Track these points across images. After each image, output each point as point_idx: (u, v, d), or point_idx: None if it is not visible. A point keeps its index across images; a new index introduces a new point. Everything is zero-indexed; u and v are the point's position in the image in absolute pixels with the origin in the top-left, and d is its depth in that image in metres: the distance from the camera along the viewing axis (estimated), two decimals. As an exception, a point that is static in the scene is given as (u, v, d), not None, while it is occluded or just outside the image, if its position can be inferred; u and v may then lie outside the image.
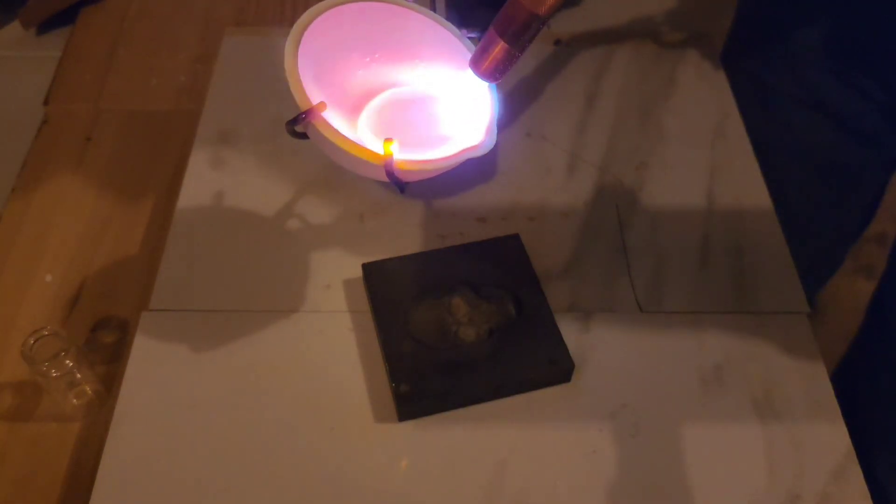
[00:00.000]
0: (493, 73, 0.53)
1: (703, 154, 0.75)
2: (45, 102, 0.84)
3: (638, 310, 0.64)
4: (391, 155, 0.49)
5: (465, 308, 0.60)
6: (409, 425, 0.58)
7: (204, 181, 0.72)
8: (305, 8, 0.91)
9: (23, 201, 0.75)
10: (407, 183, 0.52)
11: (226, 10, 0.93)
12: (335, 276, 0.65)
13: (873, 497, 0.56)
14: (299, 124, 0.48)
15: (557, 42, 0.85)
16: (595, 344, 0.62)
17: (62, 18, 0.92)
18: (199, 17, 0.93)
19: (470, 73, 0.55)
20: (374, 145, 0.53)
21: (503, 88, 0.80)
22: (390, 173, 0.49)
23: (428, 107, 0.57)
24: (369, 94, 0.57)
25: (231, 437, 0.57)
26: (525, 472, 0.56)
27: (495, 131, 0.53)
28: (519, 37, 0.51)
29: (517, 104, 0.79)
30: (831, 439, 0.58)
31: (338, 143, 0.49)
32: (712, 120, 0.78)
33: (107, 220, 0.73)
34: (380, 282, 0.62)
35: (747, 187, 0.73)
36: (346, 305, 0.64)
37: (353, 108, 0.56)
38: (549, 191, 0.72)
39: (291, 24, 0.90)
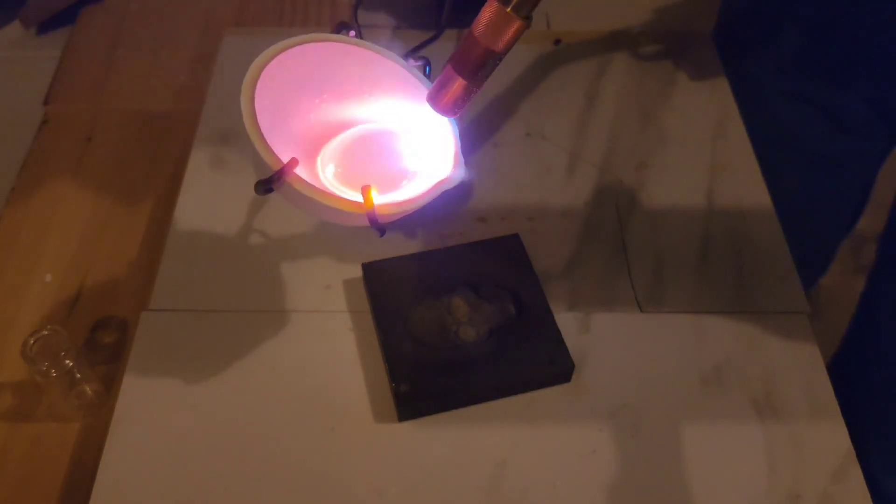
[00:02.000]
0: (451, 109, 0.52)
1: (703, 154, 0.75)
2: (45, 102, 0.83)
3: (638, 310, 0.64)
4: (373, 204, 0.48)
5: (465, 308, 0.60)
6: (409, 425, 0.58)
7: (204, 181, 0.72)
8: (305, 8, 0.92)
9: (23, 201, 0.75)
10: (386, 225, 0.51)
11: (226, 10, 0.93)
12: (335, 276, 0.65)
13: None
14: (274, 185, 0.47)
15: (557, 42, 0.85)
16: (595, 344, 0.62)
17: (62, 18, 0.92)
18: (199, 17, 0.93)
19: (424, 103, 0.54)
20: (348, 194, 0.52)
21: (503, 88, 0.80)
22: (374, 221, 0.48)
23: (385, 142, 0.56)
24: (323, 136, 0.56)
25: (231, 436, 0.57)
26: (525, 472, 0.56)
27: (462, 159, 0.53)
28: (476, 73, 0.50)
29: (517, 104, 0.79)
30: (831, 439, 0.58)
31: (318, 199, 0.48)
32: (712, 120, 0.78)
33: (107, 219, 0.73)
34: (380, 282, 0.62)
35: (747, 187, 0.73)
36: (346, 305, 0.64)
37: (310, 153, 0.55)
38: (549, 191, 0.72)
39: (291, 24, 0.90)
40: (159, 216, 0.73)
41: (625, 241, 0.69)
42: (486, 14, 0.50)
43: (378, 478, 0.55)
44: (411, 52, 0.69)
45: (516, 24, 0.49)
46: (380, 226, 0.49)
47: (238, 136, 0.75)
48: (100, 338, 0.65)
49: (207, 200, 0.70)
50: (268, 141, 0.48)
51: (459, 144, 0.54)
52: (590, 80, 0.82)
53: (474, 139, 0.76)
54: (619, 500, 0.55)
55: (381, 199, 0.51)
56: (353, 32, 0.54)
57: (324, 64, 0.53)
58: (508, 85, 0.80)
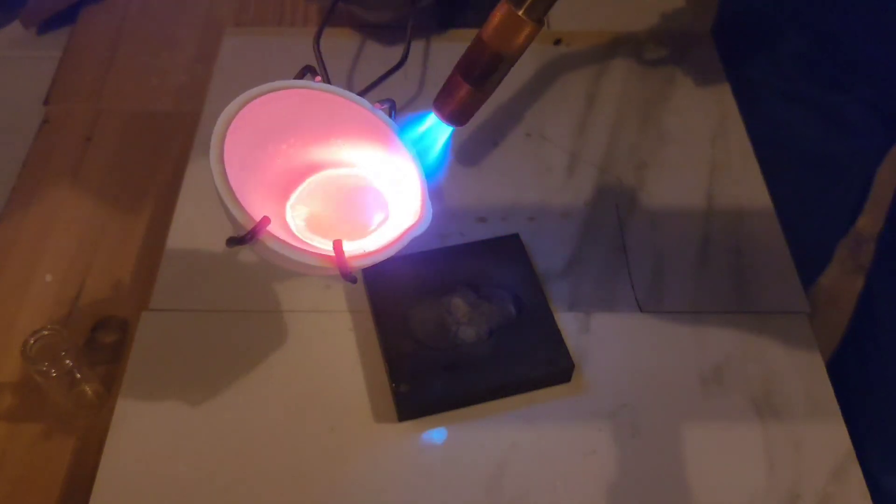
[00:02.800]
0: (457, 118, 0.51)
1: (703, 154, 0.76)
2: (46, 102, 0.83)
3: (638, 310, 0.64)
4: (343, 256, 0.48)
5: (465, 308, 0.60)
6: (409, 425, 0.58)
7: (204, 181, 0.71)
8: (305, 8, 0.91)
9: (23, 201, 0.75)
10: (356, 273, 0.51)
11: (226, 10, 0.93)
12: (335, 276, 0.65)
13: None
14: (247, 243, 0.47)
15: (557, 42, 0.85)
16: (595, 344, 0.62)
17: (63, 18, 0.92)
18: (199, 18, 0.93)
19: (390, 147, 0.53)
20: (319, 242, 0.52)
21: (503, 88, 0.79)
22: (346, 274, 0.48)
23: (353, 186, 0.56)
24: (290, 182, 0.55)
25: (230, 436, 0.57)
26: (525, 472, 0.56)
27: (429, 203, 0.52)
28: (484, 79, 0.48)
29: (517, 104, 0.79)
30: (831, 439, 0.58)
31: (290, 256, 0.48)
32: (712, 120, 0.78)
33: (107, 220, 0.73)
34: (380, 282, 0.62)
35: (747, 187, 0.73)
36: (346, 305, 0.64)
37: (278, 199, 0.55)
38: (549, 191, 0.72)
39: (291, 25, 0.90)
40: (159, 216, 0.73)
41: (625, 241, 0.69)
42: (497, 16, 0.48)
43: (378, 478, 0.55)
44: (375, 85, 0.68)
45: (528, 28, 0.47)
46: (352, 277, 0.49)
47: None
48: (100, 338, 0.65)
49: (207, 200, 0.70)
50: (237, 192, 0.48)
51: (426, 187, 0.54)
52: (590, 79, 0.82)
53: (474, 139, 0.76)
54: (619, 500, 0.55)
55: (352, 247, 0.50)
56: (318, 77, 0.54)
57: (289, 111, 0.52)
58: (509, 85, 0.80)
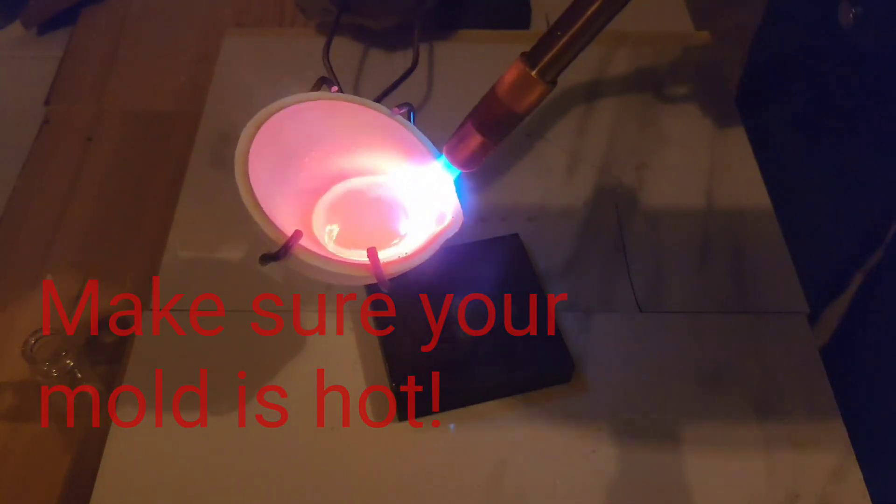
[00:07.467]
0: (468, 164, 0.52)
1: (702, 154, 0.76)
2: (47, 102, 0.84)
3: (637, 310, 0.64)
4: (379, 263, 0.48)
5: (465, 308, 0.60)
6: (408, 425, 0.58)
7: (204, 181, 0.72)
8: (306, 8, 0.91)
9: (23, 201, 0.75)
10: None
11: (226, 10, 0.93)
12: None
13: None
14: (280, 259, 0.47)
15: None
16: (595, 344, 0.62)
17: (63, 18, 0.93)
18: (199, 18, 0.93)
19: (412, 152, 0.54)
20: (351, 254, 0.52)
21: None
22: (383, 282, 0.48)
23: (378, 193, 0.56)
24: (314, 193, 0.55)
25: (230, 436, 0.57)
26: (525, 472, 0.56)
27: (459, 204, 0.52)
28: (496, 131, 0.50)
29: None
30: (830, 439, 0.58)
31: (326, 267, 0.48)
32: (712, 120, 0.78)
33: (107, 220, 0.73)
34: (380, 282, 0.62)
35: (747, 187, 0.73)
36: (346, 305, 0.64)
37: (304, 212, 0.55)
38: (549, 191, 0.72)
39: (292, 25, 0.90)
40: (160, 216, 0.73)
41: (624, 241, 0.69)
42: (511, 76, 0.49)
43: (378, 478, 0.55)
44: (389, 91, 0.69)
45: (540, 89, 0.49)
46: (388, 285, 0.49)
47: (238, 137, 0.75)
48: (100, 338, 0.65)
49: (208, 200, 0.70)
50: (266, 208, 0.48)
51: (455, 187, 0.54)
52: (590, 80, 0.82)
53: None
54: (619, 500, 0.55)
55: (386, 254, 0.51)
56: (335, 88, 0.54)
57: (310, 124, 0.52)
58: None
